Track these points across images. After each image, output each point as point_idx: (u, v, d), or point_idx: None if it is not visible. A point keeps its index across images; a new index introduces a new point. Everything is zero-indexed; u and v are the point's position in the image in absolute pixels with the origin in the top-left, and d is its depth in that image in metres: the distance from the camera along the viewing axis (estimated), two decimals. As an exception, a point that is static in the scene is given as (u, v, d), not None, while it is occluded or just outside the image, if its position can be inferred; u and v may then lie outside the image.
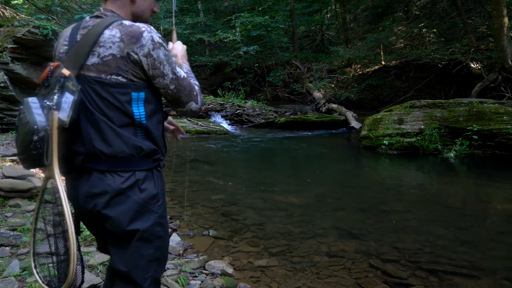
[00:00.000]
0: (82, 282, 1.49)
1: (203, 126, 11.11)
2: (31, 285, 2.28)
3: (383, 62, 15.99)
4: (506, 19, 10.37)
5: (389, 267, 3.17)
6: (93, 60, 1.32)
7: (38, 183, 3.97)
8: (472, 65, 12.24)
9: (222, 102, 14.28)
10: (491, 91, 11.30)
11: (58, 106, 1.28)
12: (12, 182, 3.66)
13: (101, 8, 1.44)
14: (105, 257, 2.76)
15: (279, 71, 18.22)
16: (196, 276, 2.85)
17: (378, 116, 8.60)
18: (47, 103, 1.29)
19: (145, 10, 1.51)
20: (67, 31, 1.45)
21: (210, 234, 3.85)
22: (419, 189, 5.73)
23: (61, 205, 1.33)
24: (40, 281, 1.50)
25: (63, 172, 1.43)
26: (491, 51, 11.68)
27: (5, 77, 7.25)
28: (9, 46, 7.35)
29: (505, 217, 4.46)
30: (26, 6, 14.25)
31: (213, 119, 12.96)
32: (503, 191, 5.44)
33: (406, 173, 6.87)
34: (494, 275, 3.05)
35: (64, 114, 1.28)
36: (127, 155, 1.35)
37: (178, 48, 1.66)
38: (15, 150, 5.26)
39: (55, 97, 1.29)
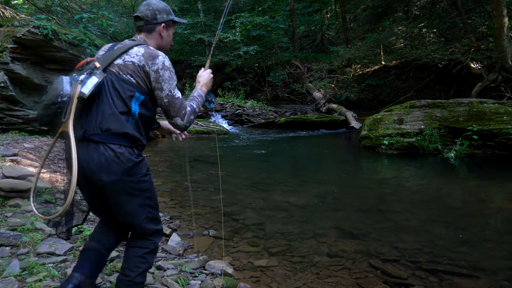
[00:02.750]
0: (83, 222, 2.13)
1: (203, 126, 11.12)
2: (31, 285, 2.28)
3: (383, 62, 15.98)
4: (506, 19, 10.37)
5: (389, 267, 3.17)
6: (119, 61, 1.89)
7: (38, 183, 3.97)
8: (472, 65, 12.24)
9: (222, 102, 14.28)
10: (491, 91, 11.30)
11: (82, 83, 1.77)
12: (12, 182, 3.65)
13: (138, 36, 2.04)
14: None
15: (279, 71, 18.21)
16: (196, 276, 2.85)
17: (378, 116, 8.60)
18: (76, 77, 1.79)
19: (167, 44, 2.13)
20: (108, 44, 2.05)
21: (210, 234, 3.85)
22: (419, 189, 5.72)
23: (71, 149, 1.73)
24: (35, 210, 1.95)
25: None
26: (491, 51, 11.67)
27: (5, 77, 7.24)
28: (9, 46, 7.34)
29: (505, 217, 4.46)
30: (26, 6, 14.23)
31: (213, 119, 12.96)
32: (503, 191, 5.44)
33: (406, 173, 6.87)
34: (494, 275, 3.05)
35: (86, 89, 1.75)
36: (119, 133, 1.81)
37: (204, 76, 2.20)
38: (15, 150, 5.26)
39: (83, 76, 1.79)
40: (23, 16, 9.42)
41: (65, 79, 1.78)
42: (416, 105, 8.25)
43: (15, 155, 5.11)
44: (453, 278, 3.01)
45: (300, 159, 7.98)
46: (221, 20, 2.62)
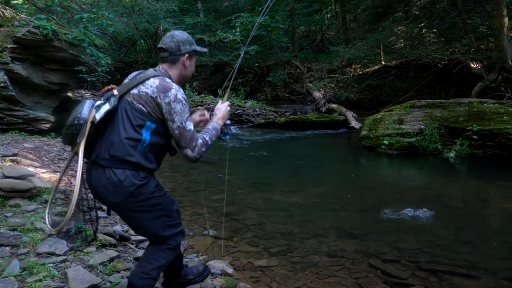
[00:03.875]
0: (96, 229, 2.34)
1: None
2: (31, 285, 2.28)
3: (383, 62, 15.97)
4: (506, 19, 10.36)
5: (389, 267, 3.17)
6: (134, 91, 1.99)
7: (38, 183, 3.97)
8: (472, 65, 12.23)
9: (222, 102, 14.25)
10: (491, 91, 11.28)
11: (98, 108, 1.92)
12: (12, 182, 3.65)
13: (160, 67, 2.13)
14: (105, 257, 2.76)
15: (279, 71, 18.20)
16: (196, 276, 2.84)
17: (378, 116, 8.60)
18: (95, 103, 1.95)
19: (190, 73, 2.22)
20: (135, 72, 2.17)
21: (210, 234, 3.85)
22: (419, 189, 5.72)
23: (78, 168, 1.85)
24: (48, 223, 2.10)
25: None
26: (491, 51, 11.66)
27: (5, 77, 7.24)
28: (9, 46, 7.34)
29: (505, 217, 4.46)
30: (26, 6, 14.22)
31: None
32: (503, 191, 5.44)
33: (406, 173, 6.87)
34: (494, 275, 3.05)
35: (98, 115, 1.90)
36: (124, 159, 1.91)
37: (221, 109, 2.30)
38: (15, 150, 5.26)
39: (100, 102, 1.95)
40: (23, 16, 9.42)
41: (87, 103, 1.94)
42: (416, 105, 8.25)
43: (15, 155, 5.10)
44: (453, 278, 3.01)
45: (300, 159, 7.98)
46: (251, 33, 2.80)
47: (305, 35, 24.90)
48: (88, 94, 18.32)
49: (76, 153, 1.89)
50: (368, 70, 16.31)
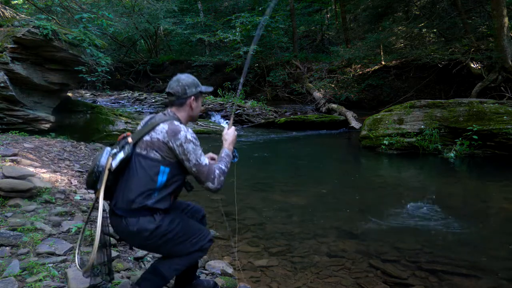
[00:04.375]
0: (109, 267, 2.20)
1: (203, 126, 11.11)
2: (31, 285, 2.28)
3: (383, 62, 15.97)
4: (506, 19, 10.37)
5: (389, 267, 3.17)
6: (147, 138, 2.10)
7: (38, 183, 3.97)
8: (472, 65, 12.23)
9: (222, 102, 14.27)
10: (491, 91, 11.29)
11: (114, 156, 2.05)
12: (12, 182, 3.65)
13: (168, 111, 2.24)
14: (105, 257, 2.75)
15: (279, 71, 18.20)
16: (196, 276, 2.84)
17: (378, 116, 8.60)
18: (112, 151, 2.08)
19: (197, 113, 2.33)
20: (147, 117, 2.29)
21: (211, 234, 3.84)
22: (419, 189, 5.72)
23: (99, 213, 1.93)
24: (77, 263, 2.10)
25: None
26: (491, 51, 11.66)
27: (5, 77, 7.23)
28: (9, 46, 7.33)
29: (505, 217, 4.46)
30: (26, 6, 14.22)
31: (213, 119, 12.95)
32: (503, 191, 5.44)
33: (406, 173, 6.87)
34: (494, 275, 3.05)
35: (114, 163, 2.04)
36: (138, 208, 2.03)
37: (230, 134, 2.40)
38: (15, 150, 5.26)
39: (116, 150, 2.08)
40: (23, 16, 9.42)
41: (105, 151, 2.09)
42: (416, 105, 8.25)
43: (15, 155, 5.10)
44: (453, 278, 3.01)
45: (300, 159, 7.98)
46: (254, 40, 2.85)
47: (305, 35, 24.90)
48: (88, 94, 18.33)
49: (97, 199, 1.99)
50: (368, 70, 16.31)
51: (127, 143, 2.10)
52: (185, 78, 2.26)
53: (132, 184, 2.05)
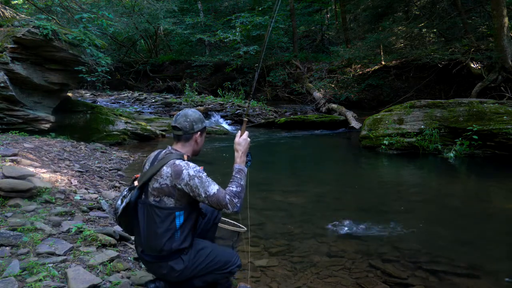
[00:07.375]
0: None
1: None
2: (31, 285, 2.28)
3: (383, 62, 15.97)
4: (506, 19, 10.37)
5: (389, 267, 3.17)
6: (155, 185, 2.16)
7: (38, 183, 3.97)
8: (472, 65, 12.23)
9: (222, 102, 14.27)
10: (491, 91, 11.28)
11: (125, 199, 2.25)
12: (12, 182, 3.65)
13: (170, 148, 2.31)
14: (105, 257, 2.76)
15: (279, 71, 18.20)
16: (196, 276, 2.84)
17: (378, 116, 8.60)
18: (124, 194, 2.29)
19: (201, 147, 2.41)
20: (152, 155, 2.34)
21: (210, 234, 3.84)
22: (419, 189, 5.72)
23: None
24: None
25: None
26: (491, 51, 11.66)
27: (5, 77, 7.23)
28: (9, 46, 7.33)
29: (505, 217, 4.46)
30: (26, 6, 14.22)
31: (213, 119, 12.95)
32: (503, 191, 5.44)
33: (406, 173, 6.87)
34: (494, 275, 3.05)
35: (120, 207, 2.26)
36: (165, 254, 2.16)
37: (242, 143, 2.34)
38: (15, 150, 5.26)
39: (126, 193, 2.28)
40: (23, 16, 9.42)
41: (122, 194, 2.28)
42: (416, 105, 8.25)
43: (15, 155, 5.10)
44: (453, 278, 3.01)
45: (300, 159, 7.98)
46: (263, 47, 2.80)
47: (305, 35, 24.89)
48: (88, 94, 18.32)
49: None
50: (368, 70, 16.31)
51: (134, 186, 2.25)
52: (193, 114, 2.32)
53: (153, 232, 2.15)
